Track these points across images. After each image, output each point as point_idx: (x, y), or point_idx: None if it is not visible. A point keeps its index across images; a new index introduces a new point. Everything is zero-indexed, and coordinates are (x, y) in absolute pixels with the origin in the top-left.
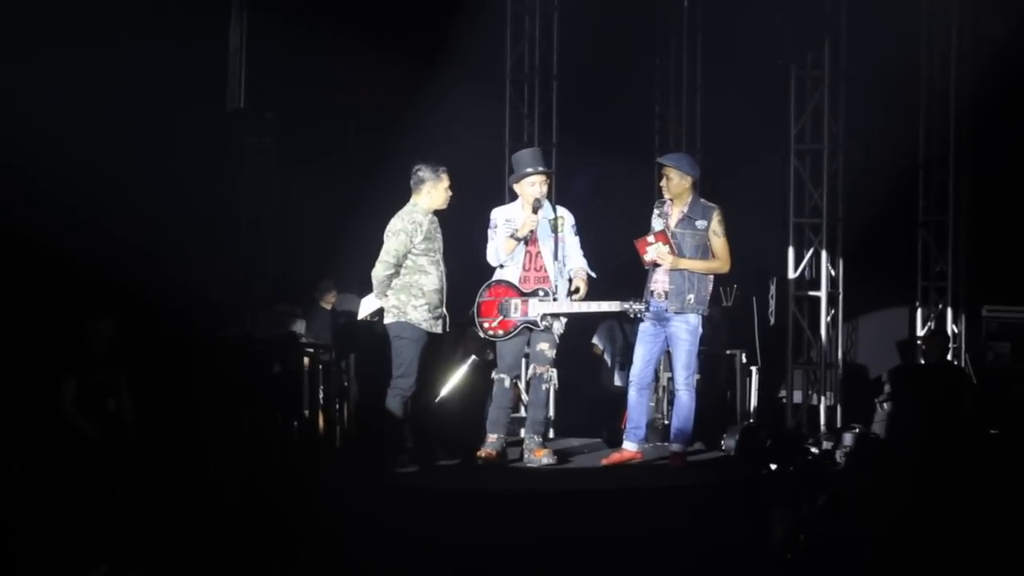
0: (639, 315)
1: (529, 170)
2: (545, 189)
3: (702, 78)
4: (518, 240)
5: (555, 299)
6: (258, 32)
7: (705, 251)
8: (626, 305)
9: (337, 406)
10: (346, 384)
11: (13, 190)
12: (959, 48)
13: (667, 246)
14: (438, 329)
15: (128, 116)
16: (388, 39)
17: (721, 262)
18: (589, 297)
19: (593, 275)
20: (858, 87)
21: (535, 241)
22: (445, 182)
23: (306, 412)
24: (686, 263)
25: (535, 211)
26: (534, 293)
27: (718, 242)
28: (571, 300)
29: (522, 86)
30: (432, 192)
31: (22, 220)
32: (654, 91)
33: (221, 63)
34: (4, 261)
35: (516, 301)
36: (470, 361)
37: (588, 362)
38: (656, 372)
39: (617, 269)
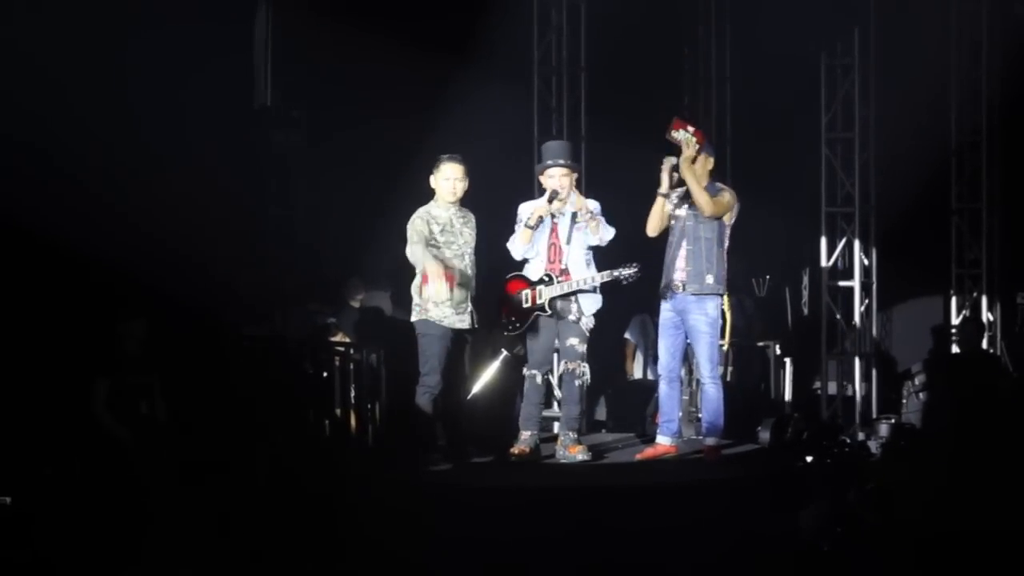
0: (630, 280)
1: (549, 162)
2: (566, 183)
3: (731, 68)
4: (529, 228)
5: (558, 282)
6: (284, 28)
7: (721, 239)
8: (616, 272)
9: (369, 405)
10: (377, 383)
11: (44, 192)
12: (990, 33)
13: (700, 145)
14: (464, 325)
15: (159, 116)
16: (415, 33)
17: (716, 203)
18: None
19: (608, 234)
20: (889, 74)
21: (557, 233)
22: (443, 172)
23: (338, 411)
24: (691, 178)
25: (550, 201)
26: (540, 280)
27: (720, 198)
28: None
29: (550, 79)
30: (437, 183)
31: (53, 222)
32: (682, 81)
33: (249, 60)
34: (38, 263)
35: (526, 291)
36: (501, 357)
37: (620, 355)
38: (688, 364)
39: (640, 262)
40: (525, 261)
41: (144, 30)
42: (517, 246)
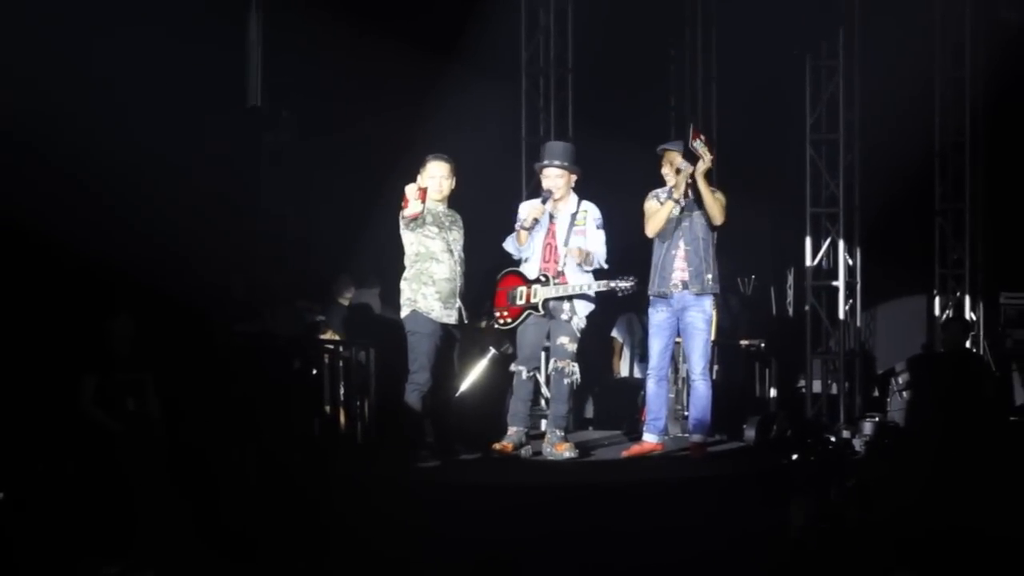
0: (625, 292)
1: (545, 162)
2: (560, 183)
3: (717, 68)
4: (524, 229)
5: (555, 284)
6: (275, 28)
7: (713, 238)
8: (612, 284)
9: (358, 402)
10: (366, 380)
11: (34, 190)
12: (974, 35)
13: (711, 155)
14: (452, 320)
15: (150, 114)
16: (404, 33)
17: (722, 208)
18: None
19: (604, 265)
20: (873, 76)
21: (554, 234)
22: (429, 171)
23: (327, 408)
24: (706, 187)
25: (543, 202)
26: (537, 280)
27: (721, 200)
28: (557, 283)
29: (537, 79)
30: (424, 181)
31: (43, 220)
32: (669, 82)
33: (240, 61)
34: (27, 261)
35: (522, 288)
36: (489, 355)
37: (606, 353)
38: (675, 363)
39: (627, 261)
40: (523, 260)
41: (136, 29)
42: (512, 246)
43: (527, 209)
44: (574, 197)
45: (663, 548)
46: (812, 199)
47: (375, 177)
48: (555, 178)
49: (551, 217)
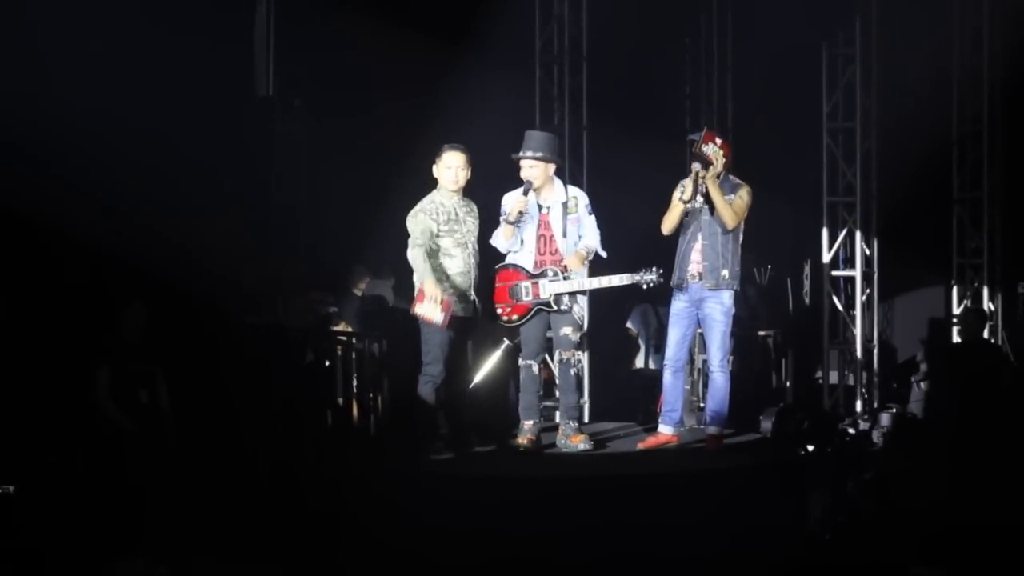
0: (651, 285)
1: (519, 154)
2: (535, 173)
3: (732, 56)
4: (509, 223)
5: (565, 278)
6: (285, 17)
7: (736, 233)
8: (637, 277)
9: (371, 394)
10: (379, 372)
11: (47, 182)
12: (992, 21)
13: (726, 158)
14: (466, 313)
15: (161, 105)
16: (417, 21)
17: (734, 212)
18: (607, 275)
19: (603, 254)
20: (890, 63)
21: (548, 225)
22: (444, 161)
23: (340, 401)
24: (717, 192)
25: (525, 194)
26: (543, 274)
27: (739, 203)
28: (582, 278)
29: (551, 67)
30: (439, 172)
31: (56, 212)
32: (684, 70)
33: (251, 50)
34: (40, 252)
35: (526, 284)
36: (503, 347)
37: (622, 344)
38: (691, 354)
39: (640, 248)
40: (514, 251)
41: (144, 19)
42: (501, 241)
43: (511, 201)
44: (559, 185)
45: (679, 541)
46: (829, 188)
47: (389, 166)
48: (528, 168)
49: (540, 208)
